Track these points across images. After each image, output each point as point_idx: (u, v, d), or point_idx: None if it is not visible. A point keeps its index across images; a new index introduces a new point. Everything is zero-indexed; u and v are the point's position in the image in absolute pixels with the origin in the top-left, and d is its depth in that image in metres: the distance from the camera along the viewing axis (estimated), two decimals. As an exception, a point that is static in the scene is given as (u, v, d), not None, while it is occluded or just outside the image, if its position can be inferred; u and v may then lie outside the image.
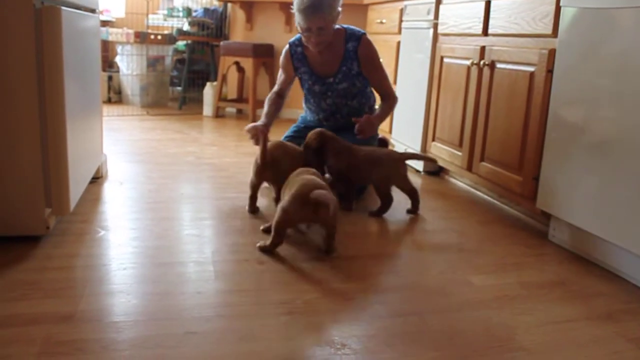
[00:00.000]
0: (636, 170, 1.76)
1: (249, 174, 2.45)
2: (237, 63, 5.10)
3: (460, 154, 2.84)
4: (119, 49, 5.51)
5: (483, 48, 2.63)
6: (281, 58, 2.82)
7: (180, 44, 5.98)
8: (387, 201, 2.45)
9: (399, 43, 3.57)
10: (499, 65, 2.51)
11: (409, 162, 2.74)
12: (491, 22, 2.57)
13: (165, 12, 6.00)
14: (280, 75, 2.87)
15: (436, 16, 3.09)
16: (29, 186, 1.85)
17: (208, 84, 5.18)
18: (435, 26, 3.10)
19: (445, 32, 3.00)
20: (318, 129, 2.49)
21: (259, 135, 2.40)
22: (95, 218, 2.21)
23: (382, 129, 3.51)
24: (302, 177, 1.98)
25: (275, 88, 2.87)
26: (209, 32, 5.55)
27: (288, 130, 2.94)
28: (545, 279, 1.87)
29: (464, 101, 2.80)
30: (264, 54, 5.00)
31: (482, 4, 2.62)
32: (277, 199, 2.28)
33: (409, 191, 2.49)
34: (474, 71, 2.70)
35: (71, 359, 1.27)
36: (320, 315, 1.54)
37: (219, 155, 3.47)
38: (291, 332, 1.44)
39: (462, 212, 2.57)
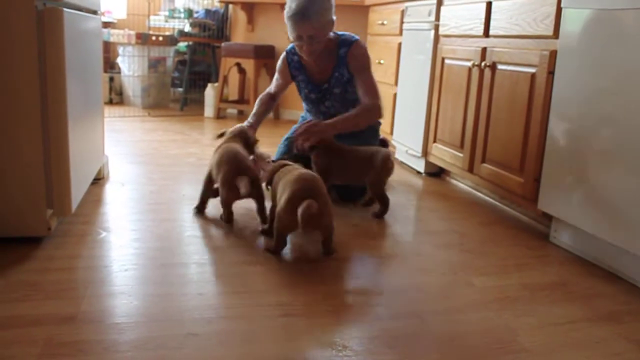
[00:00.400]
0: (637, 171, 1.76)
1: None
2: (238, 64, 5.11)
3: (461, 155, 2.84)
4: (120, 50, 5.52)
5: (484, 49, 2.63)
6: (278, 63, 2.82)
7: (182, 45, 5.98)
8: (384, 201, 2.45)
9: (400, 44, 3.57)
10: (500, 67, 2.51)
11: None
12: (492, 23, 2.57)
13: (167, 13, 6.00)
14: (276, 79, 2.86)
15: (437, 17, 3.09)
16: (30, 187, 1.85)
17: (209, 85, 5.19)
18: (437, 27, 3.10)
19: (446, 34, 3.00)
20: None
21: None
22: (96, 219, 2.21)
23: (383, 130, 3.51)
24: (295, 177, 1.93)
25: (270, 89, 2.87)
26: (210, 33, 5.56)
27: (289, 132, 2.93)
28: (546, 280, 1.87)
29: (465, 102, 2.80)
30: (265, 55, 5.00)
31: (483, 5, 2.63)
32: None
33: (381, 196, 2.47)
34: (475, 72, 2.70)
35: (73, 360, 1.28)
36: (321, 317, 1.54)
37: (220, 156, 3.47)
38: (293, 333, 1.44)
39: (463, 214, 2.57)
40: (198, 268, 1.81)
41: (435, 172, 3.31)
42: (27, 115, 1.81)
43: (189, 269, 1.80)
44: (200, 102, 5.48)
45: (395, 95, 3.62)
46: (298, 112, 2.86)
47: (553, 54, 2.15)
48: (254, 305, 1.58)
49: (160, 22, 6.09)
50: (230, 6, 5.70)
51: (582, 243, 2.08)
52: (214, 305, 1.57)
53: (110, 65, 6.06)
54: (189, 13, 5.78)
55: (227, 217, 2.23)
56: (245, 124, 2.65)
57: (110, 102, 5.66)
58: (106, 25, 6.00)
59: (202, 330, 1.43)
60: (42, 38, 1.79)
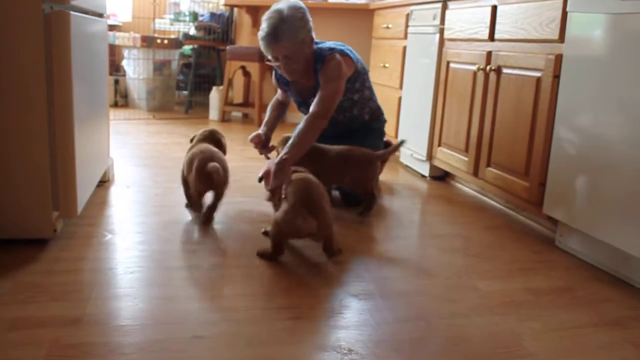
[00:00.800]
0: (643, 176, 1.76)
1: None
2: (243, 67, 5.11)
3: (466, 159, 2.84)
4: (125, 53, 5.53)
5: (489, 53, 2.63)
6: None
7: (187, 48, 6.00)
8: (367, 198, 2.45)
9: (404, 48, 3.57)
10: (505, 71, 2.51)
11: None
12: (497, 27, 2.57)
13: (172, 16, 6.02)
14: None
15: (442, 21, 3.09)
16: (36, 189, 1.86)
17: (214, 88, 5.20)
18: (442, 31, 3.10)
19: (451, 37, 3.01)
20: (285, 135, 2.53)
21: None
22: (102, 221, 2.22)
23: (388, 134, 3.51)
24: (301, 185, 1.95)
25: (277, 96, 2.86)
26: (215, 36, 5.57)
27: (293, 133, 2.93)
28: (552, 284, 1.87)
29: (470, 106, 2.80)
30: (270, 58, 5.00)
31: (489, 9, 2.63)
32: (212, 211, 2.28)
33: (366, 194, 2.48)
34: (480, 76, 2.70)
35: (79, 362, 1.28)
36: (326, 320, 1.54)
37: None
38: (298, 336, 1.44)
39: (468, 218, 2.57)
40: (203, 271, 1.81)
41: (440, 176, 3.31)
42: (34, 118, 1.82)
43: (194, 271, 1.80)
44: (205, 105, 5.50)
45: (400, 98, 3.62)
46: (302, 115, 2.85)
47: (559, 58, 2.15)
48: (259, 308, 1.58)
49: (166, 25, 6.11)
50: (235, 9, 5.71)
51: (588, 247, 2.08)
52: (219, 308, 1.57)
53: (115, 68, 6.08)
54: (194, 16, 5.80)
55: (195, 206, 2.31)
56: (260, 131, 2.65)
57: (116, 105, 5.68)
58: (112, 28, 6.02)
59: (208, 332, 1.43)
60: (49, 41, 1.80)
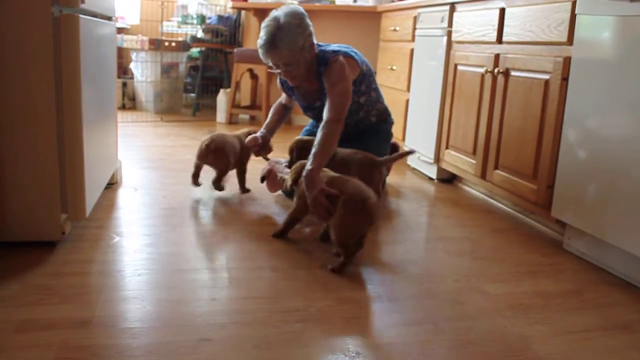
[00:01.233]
0: (653, 179, 1.75)
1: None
2: (250, 70, 5.13)
3: (474, 161, 2.83)
4: (133, 55, 5.56)
5: (497, 56, 2.62)
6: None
7: (194, 50, 6.02)
8: None
9: (412, 50, 3.57)
10: (513, 73, 2.51)
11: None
12: (505, 29, 2.56)
13: (180, 19, 6.04)
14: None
15: (450, 24, 3.09)
16: (45, 192, 1.87)
17: (221, 90, 5.21)
18: (449, 34, 3.10)
19: (459, 40, 3.00)
20: (297, 138, 2.54)
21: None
22: (110, 224, 2.23)
23: (396, 136, 3.50)
24: (350, 187, 1.95)
25: (281, 99, 2.85)
26: (223, 39, 5.58)
27: (300, 134, 2.93)
28: (560, 288, 1.86)
29: (478, 109, 2.80)
30: (277, 61, 5.01)
31: (497, 12, 2.62)
32: (217, 181, 2.64)
33: None
34: (488, 79, 2.69)
35: (87, 365, 1.28)
36: (334, 323, 1.54)
37: (233, 161, 3.48)
38: (305, 339, 1.44)
39: (476, 220, 2.56)
40: (211, 273, 1.81)
41: (448, 179, 3.30)
42: (43, 120, 1.83)
43: (202, 274, 1.81)
44: (213, 108, 5.51)
45: (407, 101, 3.62)
46: (306, 118, 2.86)
47: (567, 61, 2.15)
48: (267, 311, 1.58)
49: (173, 28, 6.13)
50: (243, 12, 5.73)
51: (596, 250, 2.06)
52: (227, 311, 1.57)
53: (123, 70, 6.11)
54: (202, 19, 5.82)
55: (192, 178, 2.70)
56: (258, 134, 2.66)
57: (123, 107, 5.70)
58: (119, 31, 6.04)
59: (215, 335, 1.44)
60: (58, 44, 1.81)
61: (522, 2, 2.45)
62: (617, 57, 1.89)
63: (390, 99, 3.51)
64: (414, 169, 3.59)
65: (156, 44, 5.37)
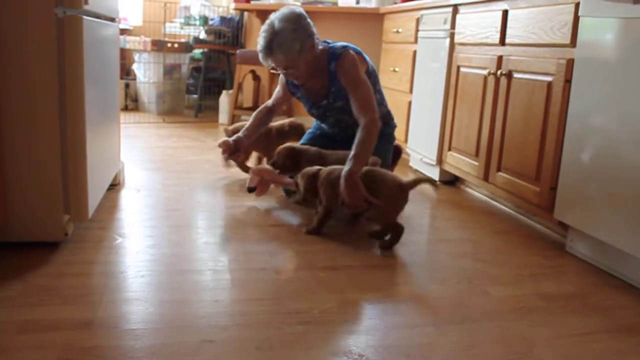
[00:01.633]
0: (656, 181, 1.74)
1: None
2: (253, 71, 5.13)
3: (476, 163, 2.83)
4: (136, 56, 5.56)
5: (500, 58, 2.62)
6: (280, 75, 2.74)
7: (197, 52, 6.02)
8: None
9: (415, 52, 3.56)
10: (516, 75, 2.50)
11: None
12: (508, 31, 2.56)
13: (182, 20, 6.05)
14: (277, 91, 2.80)
15: (453, 26, 3.09)
16: (48, 193, 1.87)
17: (224, 92, 5.22)
18: (452, 35, 3.10)
19: (461, 42, 3.00)
20: (287, 145, 2.57)
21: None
22: (112, 225, 2.23)
23: (398, 138, 3.50)
24: (390, 182, 2.16)
25: (269, 102, 2.82)
26: (225, 40, 5.59)
27: (303, 137, 2.92)
28: (563, 290, 1.85)
29: (481, 111, 2.80)
30: (279, 62, 5.01)
31: (499, 14, 2.62)
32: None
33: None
34: (491, 81, 2.69)
35: (89, 366, 1.28)
36: (337, 325, 1.53)
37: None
38: (308, 341, 1.44)
39: (478, 222, 2.56)
40: (214, 275, 1.81)
41: (450, 181, 3.30)
42: (46, 121, 1.83)
43: (204, 275, 1.81)
44: (215, 109, 5.51)
45: (410, 103, 3.62)
46: (311, 119, 2.85)
47: (570, 63, 2.14)
48: (270, 312, 1.58)
49: (176, 29, 6.14)
50: (246, 13, 5.73)
51: (599, 253, 2.06)
52: (229, 312, 1.57)
53: (126, 71, 6.11)
54: (204, 20, 5.82)
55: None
56: (232, 138, 2.63)
57: (126, 109, 5.71)
58: (122, 32, 6.05)
59: (218, 337, 1.44)
60: (61, 45, 1.81)
61: (525, 4, 2.45)
62: (620, 59, 1.89)
63: (393, 101, 3.50)
64: (416, 170, 3.58)
65: (159, 45, 5.37)
